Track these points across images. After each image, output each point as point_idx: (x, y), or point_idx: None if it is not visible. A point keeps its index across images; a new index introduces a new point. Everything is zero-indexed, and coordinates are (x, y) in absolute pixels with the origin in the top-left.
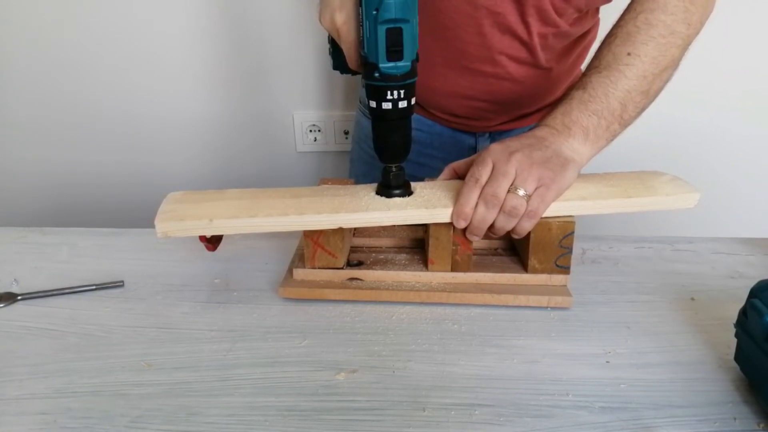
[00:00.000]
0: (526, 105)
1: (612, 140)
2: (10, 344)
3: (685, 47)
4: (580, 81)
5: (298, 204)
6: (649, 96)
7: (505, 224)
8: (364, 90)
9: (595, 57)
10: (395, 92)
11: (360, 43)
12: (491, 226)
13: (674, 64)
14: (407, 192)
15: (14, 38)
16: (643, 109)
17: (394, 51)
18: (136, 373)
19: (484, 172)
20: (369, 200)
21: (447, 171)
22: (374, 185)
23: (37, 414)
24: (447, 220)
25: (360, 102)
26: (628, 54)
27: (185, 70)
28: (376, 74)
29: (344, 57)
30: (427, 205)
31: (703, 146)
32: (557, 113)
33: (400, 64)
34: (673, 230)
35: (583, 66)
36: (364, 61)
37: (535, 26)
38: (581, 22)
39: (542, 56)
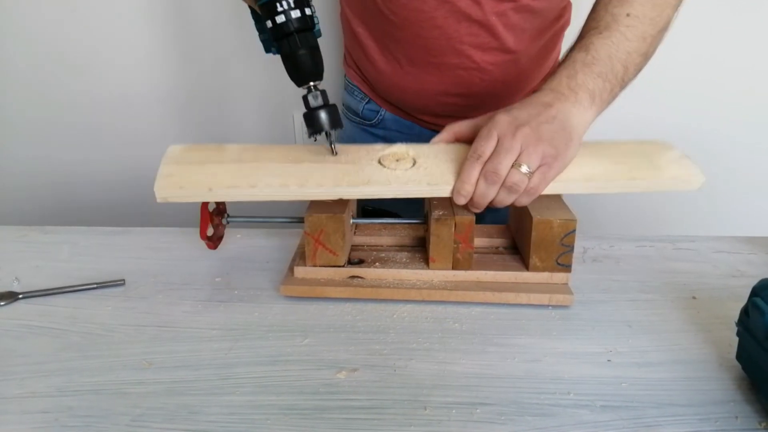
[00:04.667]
0: (502, 98)
1: (611, 103)
2: (11, 343)
3: (677, 7)
4: (580, 43)
5: (298, 171)
6: (647, 57)
7: (504, 199)
8: (345, 92)
9: (591, 18)
10: (284, 3)
11: None
12: (494, 200)
13: (668, 26)
14: (335, 112)
15: (14, 38)
16: (640, 71)
17: None
18: (137, 371)
19: (487, 148)
20: (371, 171)
21: (447, 133)
22: (376, 147)
23: (38, 413)
24: (448, 195)
25: (343, 105)
26: (628, 15)
27: (186, 70)
28: None
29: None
30: (429, 180)
31: (703, 145)
32: (561, 76)
33: None
34: (674, 229)
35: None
36: None
37: (489, 4)
38: None
39: (507, 37)
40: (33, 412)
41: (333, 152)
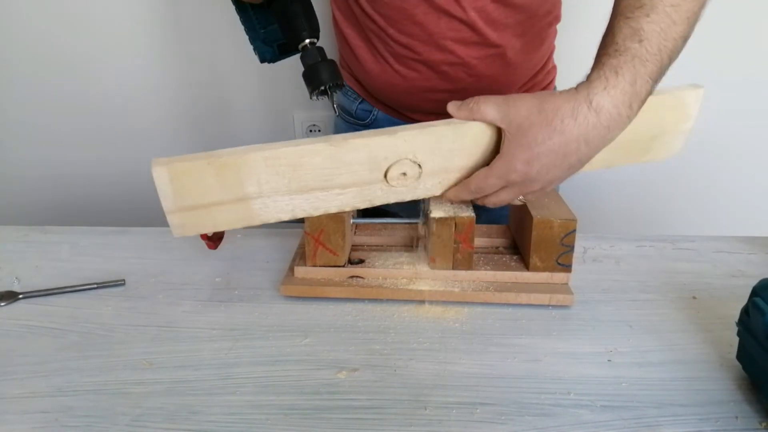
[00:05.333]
0: (491, 93)
1: None
2: (11, 343)
3: None
4: (628, 26)
5: (307, 202)
6: (686, 41)
7: (486, 204)
8: (340, 93)
9: None
10: None
11: None
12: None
13: (707, 1)
14: (334, 68)
15: (14, 38)
16: (676, 59)
17: None
18: (137, 371)
19: (490, 189)
20: (374, 192)
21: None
22: (383, 149)
23: (39, 412)
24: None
25: (337, 105)
26: None
27: (186, 70)
28: None
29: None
30: (427, 194)
31: (703, 145)
32: (625, 81)
33: None
34: (674, 229)
35: (556, 59)
36: None
37: (466, 1)
38: None
39: (488, 32)
40: (33, 412)
41: (335, 111)
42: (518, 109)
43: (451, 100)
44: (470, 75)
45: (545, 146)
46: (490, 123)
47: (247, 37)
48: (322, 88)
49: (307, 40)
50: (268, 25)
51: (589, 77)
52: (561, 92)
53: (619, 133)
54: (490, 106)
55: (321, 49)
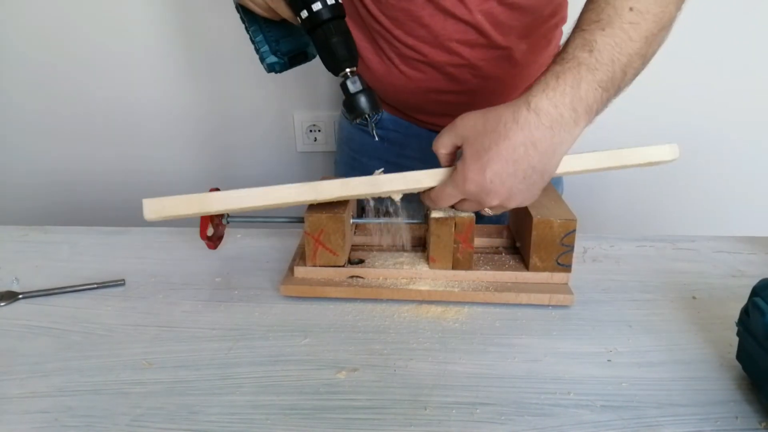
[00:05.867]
0: (497, 95)
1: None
2: (11, 343)
3: (680, 6)
4: (582, 37)
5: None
6: (646, 60)
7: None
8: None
9: (591, 9)
10: None
11: None
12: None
13: (671, 24)
14: (372, 93)
15: (15, 37)
16: (637, 76)
17: None
18: (137, 371)
19: (452, 202)
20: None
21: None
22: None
23: (39, 412)
24: (422, 185)
25: (343, 105)
26: (631, 9)
27: (187, 69)
28: None
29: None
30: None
31: (703, 145)
32: (566, 84)
33: None
34: (674, 229)
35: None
36: None
37: (473, 3)
38: None
39: (494, 34)
40: (33, 412)
41: (374, 136)
42: (465, 122)
43: (456, 101)
44: (476, 76)
45: (493, 151)
46: (452, 149)
47: (253, 48)
48: (364, 117)
49: (348, 69)
50: (281, 38)
51: (531, 85)
52: (506, 103)
53: (569, 138)
54: (443, 136)
55: (360, 77)
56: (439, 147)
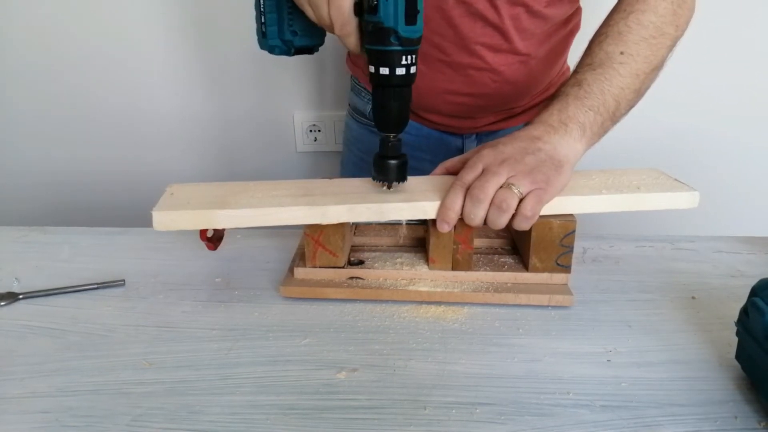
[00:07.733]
0: (511, 100)
1: (602, 137)
2: (11, 343)
3: (672, 48)
4: (574, 78)
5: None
6: (639, 94)
7: (496, 219)
8: (352, 93)
9: (587, 55)
10: (410, 57)
11: (360, 8)
12: (487, 220)
13: (662, 64)
14: (404, 164)
15: (16, 37)
16: (632, 107)
17: (412, 14)
18: (137, 371)
19: (472, 176)
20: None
21: (439, 169)
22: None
23: (39, 413)
24: (428, 216)
25: (349, 105)
26: (621, 53)
27: (187, 69)
28: (393, 39)
29: (284, 28)
30: (408, 199)
31: (703, 145)
32: (553, 109)
33: (415, 27)
34: (674, 229)
35: (570, 62)
36: (373, 27)
37: (504, 8)
38: (556, 3)
39: (518, 41)
40: (33, 412)
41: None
42: (481, 153)
43: (472, 103)
44: (495, 81)
45: (505, 141)
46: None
47: (255, 27)
48: (389, 183)
49: (392, 135)
50: (299, 32)
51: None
52: None
53: (564, 142)
54: (455, 158)
55: (400, 141)
56: (446, 162)
